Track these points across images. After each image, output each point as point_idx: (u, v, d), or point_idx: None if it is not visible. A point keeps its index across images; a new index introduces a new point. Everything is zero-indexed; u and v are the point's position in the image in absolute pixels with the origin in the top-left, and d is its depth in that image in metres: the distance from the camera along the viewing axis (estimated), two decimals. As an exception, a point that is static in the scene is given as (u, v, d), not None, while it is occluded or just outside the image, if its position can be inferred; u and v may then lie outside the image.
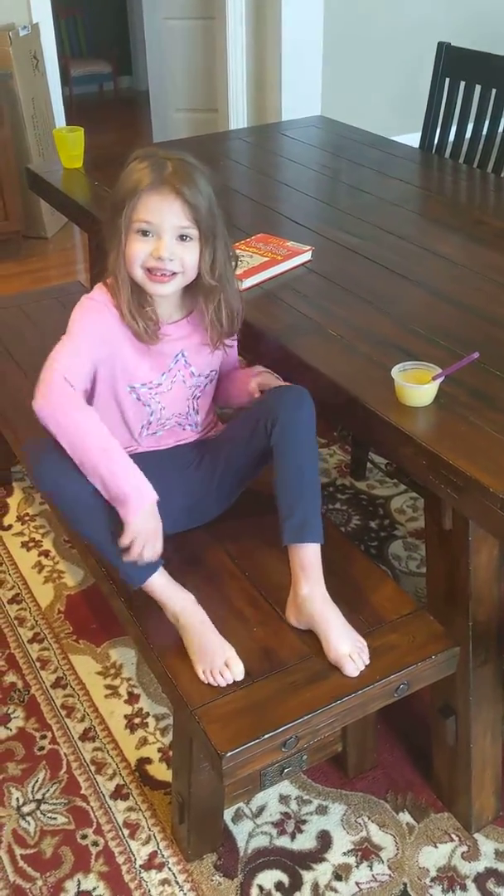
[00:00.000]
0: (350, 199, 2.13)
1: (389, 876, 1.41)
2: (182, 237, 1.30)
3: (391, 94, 4.44)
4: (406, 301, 1.59)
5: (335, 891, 1.39)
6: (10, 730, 1.66)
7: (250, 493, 1.51)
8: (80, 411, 1.29)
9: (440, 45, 2.51)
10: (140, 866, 1.43)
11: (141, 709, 1.70)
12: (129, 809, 1.52)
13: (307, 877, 1.41)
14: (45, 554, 2.10)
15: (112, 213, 1.33)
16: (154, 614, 1.34)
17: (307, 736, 1.19)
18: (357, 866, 1.43)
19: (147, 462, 1.40)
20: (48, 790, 1.55)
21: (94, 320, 1.36)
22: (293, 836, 1.47)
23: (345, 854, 1.44)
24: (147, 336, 1.35)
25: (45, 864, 1.44)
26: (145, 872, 1.42)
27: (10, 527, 2.20)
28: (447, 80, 2.49)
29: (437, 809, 1.51)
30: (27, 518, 2.22)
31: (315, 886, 1.40)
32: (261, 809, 1.52)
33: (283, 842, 1.47)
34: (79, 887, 1.40)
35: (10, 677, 1.78)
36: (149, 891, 1.39)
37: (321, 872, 1.42)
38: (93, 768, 1.59)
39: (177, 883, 1.40)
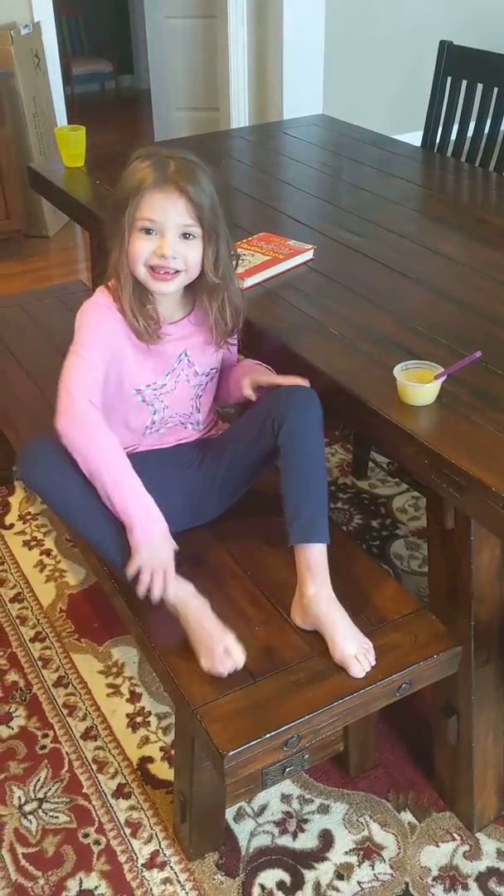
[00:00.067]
0: (351, 197, 2.13)
1: (391, 875, 1.41)
2: (185, 235, 1.30)
3: (393, 93, 4.44)
4: (408, 300, 1.59)
5: (337, 890, 1.39)
6: (12, 728, 1.67)
7: (251, 492, 1.51)
8: (102, 437, 1.29)
9: (442, 43, 2.51)
10: (142, 865, 1.43)
11: (143, 708, 1.70)
12: (131, 808, 1.52)
13: (309, 876, 1.41)
14: (47, 553, 2.10)
15: (114, 212, 1.33)
16: (156, 613, 1.34)
17: (309, 735, 1.19)
18: (359, 865, 1.43)
19: (148, 460, 1.40)
20: (50, 789, 1.55)
21: (100, 326, 1.36)
22: (295, 836, 1.47)
23: (347, 853, 1.44)
24: (148, 335, 1.35)
25: (47, 862, 1.44)
26: (147, 871, 1.42)
27: (11, 526, 2.20)
28: (449, 78, 2.49)
29: (438, 809, 1.51)
30: (29, 517, 2.22)
31: (317, 886, 1.40)
32: (262, 808, 1.52)
33: (285, 841, 1.47)
34: (80, 886, 1.40)
35: (12, 676, 1.78)
36: (150, 890, 1.39)
37: (323, 872, 1.42)
38: (94, 767, 1.59)
39: (178, 882, 1.40)
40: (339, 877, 1.41)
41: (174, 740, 1.56)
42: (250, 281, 1.63)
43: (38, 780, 1.57)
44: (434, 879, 1.40)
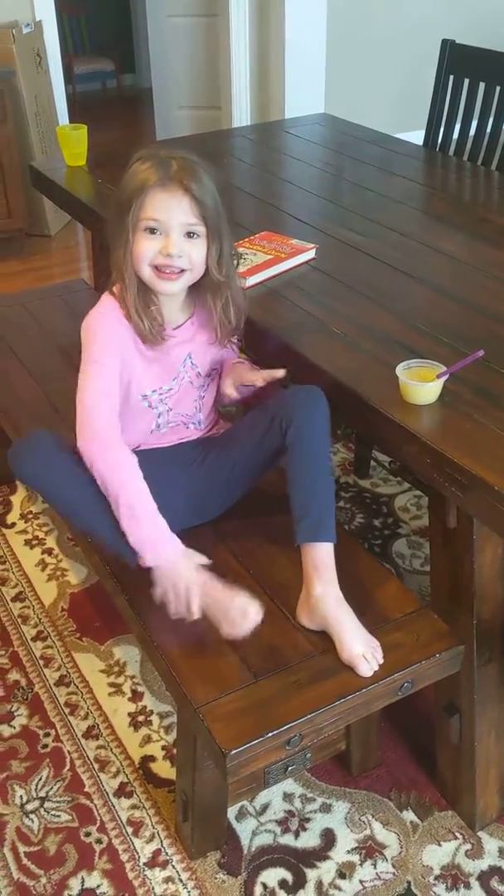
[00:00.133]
0: (354, 196, 2.12)
1: (393, 874, 1.41)
2: (189, 234, 1.30)
3: (394, 92, 4.44)
4: (410, 298, 1.58)
5: (339, 889, 1.39)
6: (14, 727, 1.67)
7: (252, 491, 1.50)
8: (120, 458, 1.30)
9: (444, 42, 2.50)
10: (144, 864, 1.43)
11: (144, 707, 1.70)
12: (133, 807, 1.52)
13: (311, 875, 1.41)
14: (49, 552, 2.10)
15: (117, 214, 1.32)
16: (157, 612, 1.34)
17: (311, 734, 1.19)
18: (361, 864, 1.43)
19: (149, 459, 1.40)
20: (52, 788, 1.55)
21: (109, 333, 1.36)
22: (297, 834, 1.47)
23: (349, 852, 1.44)
24: (152, 336, 1.35)
25: (49, 861, 1.44)
26: (149, 870, 1.42)
27: (13, 524, 2.20)
28: (451, 77, 2.49)
29: (440, 808, 1.51)
30: (30, 516, 2.22)
31: (319, 884, 1.40)
32: (264, 807, 1.52)
33: (287, 840, 1.47)
34: (82, 885, 1.40)
35: (14, 675, 1.78)
36: (152, 888, 1.39)
37: (325, 870, 1.42)
38: (96, 766, 1.59)
39: (180, 881, 1.40)
40: (342, 876, 1.41)
41: (176, 739, 1.56)
42: (252, 280, 1.63)
43: (40, 779, 1.57)
44: (436, 878, 1.40)
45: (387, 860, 1.43)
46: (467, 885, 1.39)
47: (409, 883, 1.40)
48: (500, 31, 4.34)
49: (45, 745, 1.63)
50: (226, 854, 1.44)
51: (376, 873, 1.41)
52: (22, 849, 1.46)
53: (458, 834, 1.47)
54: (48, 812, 1.51)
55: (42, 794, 1.54)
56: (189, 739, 1.31)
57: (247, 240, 1.77)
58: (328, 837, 1.47)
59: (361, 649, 1.23)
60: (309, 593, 1.28)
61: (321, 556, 1.29)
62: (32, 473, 1.34)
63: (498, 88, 2.33)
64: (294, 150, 2.49)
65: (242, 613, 1.23)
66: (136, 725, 1.66)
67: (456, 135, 2.51)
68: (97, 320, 1.37)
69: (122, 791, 1.54)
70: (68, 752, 1.62)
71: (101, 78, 6.73)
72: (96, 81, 6.71)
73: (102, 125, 4.53)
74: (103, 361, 1.34)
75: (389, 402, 1.26)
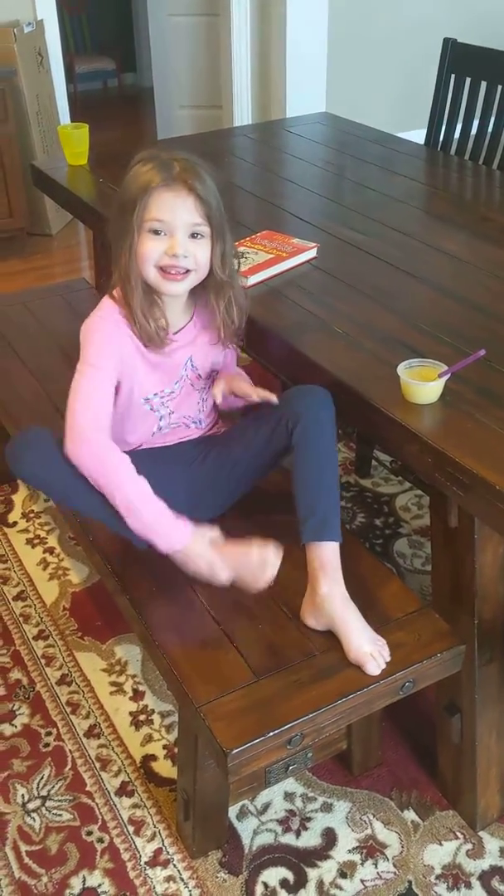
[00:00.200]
0: (355, 195, 2.12)
1: (394, 874, 1.41)
2: (193, 235, 1.30)
3: (396, 91, 4.44)
4: (411, 298, 1.58)
5: (340, 888, 1.39)
6: (16, 726, 1.67)
7: (253, 490, 1.50)
8: (111, 460, 1.30)
9: (446, 41, 2.50)
10: (145, 863, 1.43)
11: (146, 706, 1.70)
12: (135, 806, 1.52)
13: (312, 874, 1.41)
14: (50, 551, 2.10)
15: (119, 216, 1.32)
16: (159, 611, 1.34)
17: (312, 733, 1.19)
18: (362, 864, 1.43)
19: (150, 457, 1.41)
20: (53, 787, 1.55)
21: (108, 339, 1.35)
22: (298, 834, 1.47)
23: (350, 851, 1.44)
24: (157, 340, 1.35)
25: (51, 860, 1.44)
26: (150, 869, 1.42)
27: (15, 523, 2.20)
28: (453, 76, 2.49)
29: (442, 807, 1.51)
30: (32, 515, 2.22)
31: (320, 884, 1.40)
32: (266, 807, 1.52)
33: (288, 839, 1.47)
34: (84, 884, 1.40)
35: (16, 674, 1.78)
36: (154, 887, 1.39)
37: (326, 870, 1.42)
38: (98, 765, 1.59)
39: (182, 880, 1.40)
40: (343, 875, 1.41)
41: (177, 738, 1.56)
42: (254, 279, 1.63)
43: (42, 777, 1.57)
44: (437, 878, 1.40)
45: (388, 860, 1.43)
46: (468, 885, 1.39)
47: (410, 882, 1.40)
48: (501, 31, 4.34)
49: (47, 744, 1.63)
50: (227, 853, 1.44)
51: (377, 873, 1.41)
52: (23, 848, 1.46)
53: (459, 833, 1.47)
54: (50, 811, 1.51)
55: (43, 793, 1.54)
56: (190, 738, 1.31)
57: (248, 239, 1.77)
58: (329, 837, 1.47)
59: (369, 648, 1.23)
60: (315, 592, 1.28)
61: (327, 556, 1.29)
62: (31, 471, 1.34)
63: (499, 87, 2.33)
64: (295, 149, 2.48)
65: (262, 563, 1.26)
66: (137, 724, 1.66)
67: (457, 134, 2.51)
68: (96, 324, 1.37)
69: (123, 790, 1.54)
70: (70, 751, 1.62)
71: (103, 77, 6.73)
72: (97, 80, 6.71)
73: (103, 124, 4.54)
74: (99, 365, 1.34)
75: (391, 402, 1.26)
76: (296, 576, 1.36)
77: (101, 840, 1.47)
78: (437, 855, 1.44)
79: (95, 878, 1.41)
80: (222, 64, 4.18)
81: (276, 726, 1.15)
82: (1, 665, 1.80)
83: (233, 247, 1.39)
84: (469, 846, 1.45)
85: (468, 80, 2.44)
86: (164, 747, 1.62)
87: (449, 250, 1.77)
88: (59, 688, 1.74)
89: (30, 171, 2.51)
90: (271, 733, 1.15)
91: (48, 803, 1.53)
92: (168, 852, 1.44)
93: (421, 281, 1.64)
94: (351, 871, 1.42)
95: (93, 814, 1.51)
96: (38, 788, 1.55)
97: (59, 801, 1.53)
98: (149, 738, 1.64)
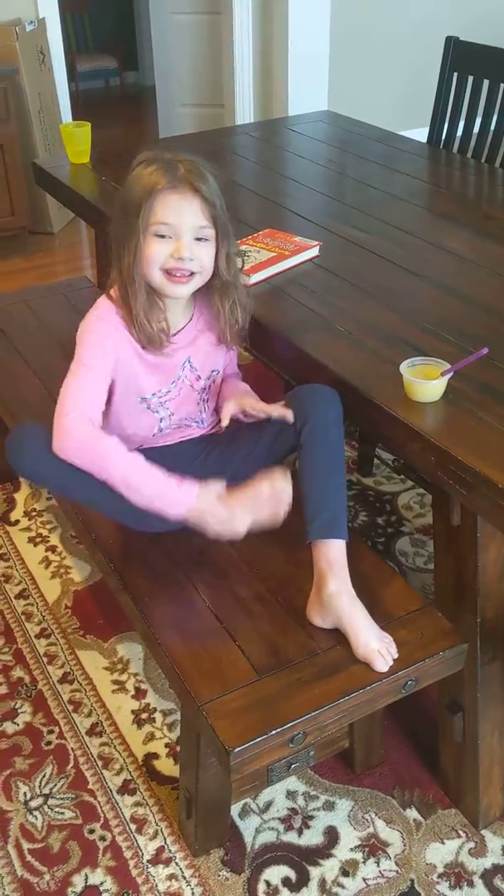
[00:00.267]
0: (357, 193, 2.12)
1: (397, 872, 1.41)
2: (198, 237, 1.30)
3: (398, 89, 4.43)
4: (414, 296, 1.58)
5: (342, 886, 1.39)
6: (18, 724, 1.67)
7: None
8: (98, 446, 1.29)
9: (448, 39, 2.50)
10: (147, 861, 1.43)
11: (148, 704, 1.70)
12: (137, 804, 1.52)
13: (314, 872, 1.41)
14: (52, 549, 2.10)
15: (123, 218, 1.31)
16: (161, 609, 1.34)
17: (315, 732, 1.19)
18: (364, 862, 1.43)
19: (151, 456, 1.40)
20: (55, 785, 1.55)
21: (103, 340, 1.35)
22: (300, 832, 1.47)
23: (352, 850, 1.44)
24: (158, 342, 1.35)
25: (53, 858, 1.44)
26: (152, 867, 1.42)
27: (17, 522, 2.20)
28: (455, 74, 2.49)
29: (444, 806, 1.51)
30: (34, 513, 2.22)
31: (322, 882, 1.40)
32: (268, 805, 1.52)
33: (290, 837, 1.47)
34: (86, 882, 1.40)
35: (18, 672, 1.78)
36: (156, 885, 1.40)
37: (328, 868, 1.42)
38: (100, 763, 1.59)
39: (184, 878, 1.40)
40: (345, 873, 1.41)
41: (180, 737, 1.56)
42: (256, 277, 1.63)
43: (44, 776, 1.57)
44: (439, 876, 1.40)
45: (390, 858, 1.43)
46: (470, 884, 1.39)
47: (412, 881, 1.40)
48: (503, 30, 4.33)
49: (49, 743, 1.63)
50: (229, 851, 1.44)
51: (379, 871, 1.41)
52: (26, 846, 1.46)
53: (461, 832, 1.47)
54: (52, 809, 1.51)
55: (46, 791, 1.54)
56: (192, 737, 1.31)
57: (250, 237, 1.77)
58: (331, 835, 1.47)
59: (377, 644, 1.23)
60: (321, 591, 1.28)
61: (334, 554, 1.29)
62: (31, 467, 1.34)
63: (502, 85, 2.33)
64: (297, 147, 2.48)
65: (276, 495, 1.27)
66: (139, 723, 1.67)
67: (460, 132, 2.51)
68: (93, 324, 1.36)
69: (125, 788, 1.55)
70: (72, 749, 1.62)
71: (104, 75, 6.72)
72: (99, 79, 6.70)
73: (105, 123, 4.53)
74: (91, 365, 1.33)
75: (393, 400, 1.26)
76: (297, 574, 1.37)
77: (103, 838, 1.47)
78: (440, 853, 1.44)
79: (97, 876, 1.41)
80: (224, 62, 4.18)
81: (279, 724, 1.15)
82: (3, 663, 1.80)
83: (236, 245, 1.39)
84: (471, 845, 1.45)
85: (471, 78, 2.44)
86: (166, 745, 1.62)
87: (451, 248, 1.76)
88: (61, 686, 1.74)
89: (32, 170, 2.51)
90: (273, 731, 1.15)
91: (50, 801, 1.53)
92: (170, 850, 1.44)
93: (423, 279, 1.64)
94: (353, 870, 1.42)
95: (95, 812, 1.51)
96: (40, 787, 1.55)
97: (62, 799, 1.53)
98: (151, 737, 1.64)
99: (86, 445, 1.28)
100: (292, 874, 1.41)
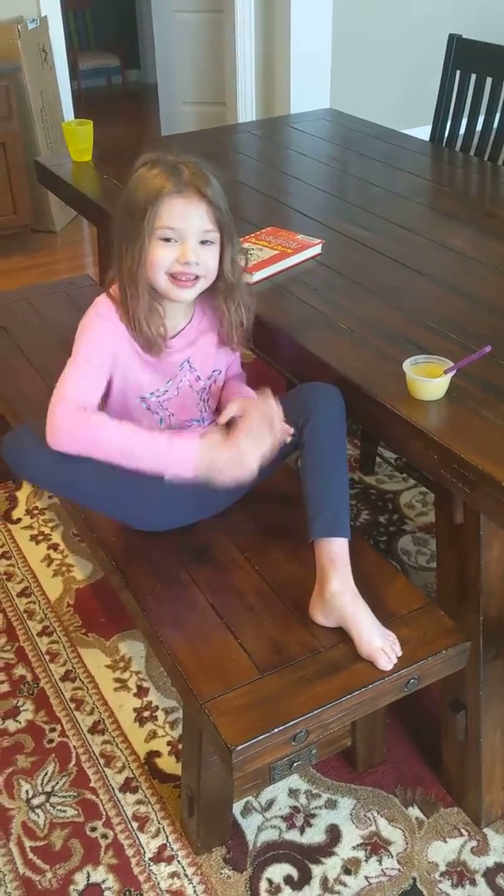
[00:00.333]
0: (360, 192, 2.12)
1: (399, 870, 1.41)
2: (203, 241, 1.30)
3: (401, 87, 4.42)
4: (417, 294, 1.58)
5: (344, 885, 1.39)
6: (20, 722, 1.67)
7: (257, 487, 1.50)
8: (89, 426, 1.27)
9: (451, 37, 2.49)
10: (149, 859, 1.43)
11: (150, 702, 1.70)
12: (139, 802, 1.52)
13: (316, 871, 1.41)
14: (54, 547, 2.10)
15: (127, 221, 1.30)
16: (163, 607, 1.34)
17: (317, 730, 1.19)
18: (366, 860, 1.43)
19: None
20: (57, 783, 1.55)
21: (101, 337, 1.34)
22: (302, 830, 1.47)
23: (354, 848, 1.44)
24: (156, 347, 1.34)
25: (55, 856, 1.44)
26: (154, 865, 1.42)
27: (19, 520, 2.20)
28: (458, 72, 2.48)
29: (446, 804, 1.51)
30: (36, 512, 2.22)
31: (324, 880, 1.40)
32: (270, 803, 1.52)
33: (293, 835, 1.47)
34: (88, 880, 1.40)
35: (20, 670, 1.78)
36: (158, 883, 1.40)
37: (330, 866, 1.42)
38: (102, 761, 1.59)
39: (186, 876, 1.40)
40: (347, 872, 1.41)
41: (182, 735, 1.56)
42: (258, 275, 1.63)
43: (46, 773, 1.57)
44: (442, 875, 1.40)
45: (392, 856, 1.43)
46: (473, 882, 1.39)
47: (414, 879, 1.40)
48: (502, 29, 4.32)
49: (51, 740, 1.63)
50: (231, 849, 1.44)
51: (381, 869, 1.41)
52: (28, 843, 1.46)
53: (463, 830, 1.47)
54: (54, 807, 1.52)
55: (48, 788, 1.55)
56: (195, 735, 1.31)
57: (253, 235, 1.77)
58: (333, 833, 1.47)
59: (380, 642, 1.23)
60: (324, 589, 1.28)
61: (337, 552, 1.29)
62: (32, 472, 1.34)
63: (505, 83, 2.33)
64: (300, 145, 2.48)
65: (266, 412, 1.28)
66: (141, 721, 1.67)
67: (462, 130, 2.50)
68: (93, 321, 1.35)
69: (127, 786, 1.55)
70: (74, 747, 1.62)
71: (106, 74, 6.72)
72: (101, 77, 6.70)
73: (107, 121, 4.51)
74: (89, 362, 1.32)
75: (396, 398, 1.26)
76: (299, 572, 1.37)
77: (105, 836, 1.47)
78: (442, 852, 1.44)
79: (100, 874, 1.41)
80: (226, 60, 4.17)
81: (281, 723, 1.15)
82: (5, 661, 1.80)
83: (239, 245, 1.39)
84: (474, 843, 1.45)
85: (473, 76, 2.44)
86: (169, 743, 1.62)
87: (454, 246, 1.76)
88: (63, 684, 1.74)
89: (34, 168, 2.51)
90: (276, 730, 1.15)
91: (52, 799, 1.53)
92: (172, 848, 1.44)
93: (426, 277, 1.64)
94: (355, 868, 1.42)
95: (97, 810, 1.51)
96: (42, 784, 1.55)
97: (64, 797, 1.53)
98: (153, 735, 1.64)
99: (75, 429, 1.27)
100: (294, 872, 1.41)
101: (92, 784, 1.55)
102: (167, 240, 1.29)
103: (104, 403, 1.38)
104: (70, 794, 1.54)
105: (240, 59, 4.07)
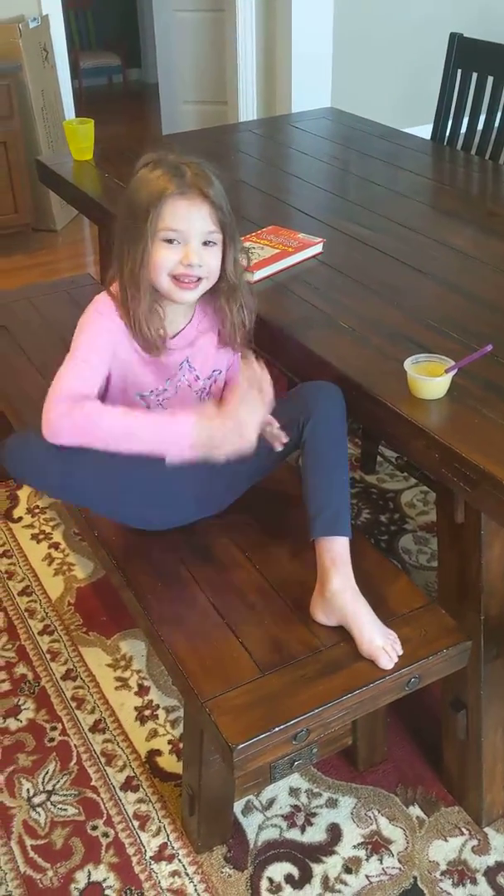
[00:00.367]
0: (361, 190, 2.12)
1: (399, 869, 1.41)
2: (206, 242, 1.29)
3: (402, 86, 4.42)
4: (418, 293, 1.58)
5: (345, 884, 1.39)
6: (21, 721, 1.67)
7: (258, 486, 1.50)
8: (84, 415, 1.26)
9: (452, 36, 2.49)
10: (150, 858, 1.43)
11: (151, 701, 1.70)
12: (140, 801, 1.52)
13: (317, 869, 1.41)
14: (55, 546, 2.10)
15: (130, 221, 1.29)
16: (164, 607, 1.34)
17: (318, 729, 1.19)
18: (367, 859, 1.43)
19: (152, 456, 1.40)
20: (58, 781, 1.56)
21: (101, 334, 1.34)
22: (303, 829, 1.47)
23: (355, 847, 1.44)
24: (155, 348, 1.34)
25: (56, 854, 1.44)
26: (155, 864, 1.42)
27: (20, 519, 2.20)
28: (459, 71, 2.48)
29: (447, 803, 1.51)
30: (37, 510, 2.23)
31: (325, 879, 1.40)
32: (271, 802, 1.52)
33: (293, 834, 1.47)
34: (89, 878, 1.41)
35: (21, 669, 1.78)
36: (159, 882, 1.40)
37: (331, 865, 1.42)
38: (103, 760, 1.59)
39: (187, 875, 1.40)
40: (348, 870, 1.41)
41: (182, 733, 1.56)
42: (260, 274, 1.63)
43: (47, 772, 1.57)
44: (442, 874, 1.40)
45: (393, 855, 1.43)
46: (474, 881, 1.39)
47: (415, 878, 1.40)
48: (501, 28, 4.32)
49: (52, 739, 1.63)
50: (232, 848, 1.44)
51: (382, 868, 1.41)
52: (29, 842, 1.46)
53: (464, 829, 1.47)
54: (55, 805, 1.52)
55: (49, 787, 1.55)
56: (196, 733, 1.31)
57: (254, 234, 1.77)
58: (334, 832, 1.47)
59: (381, 641, 1.23)
60: (325, 588, 1.28)
61: (338, 551, 1.29)
62: (32, 476, 1.34)
63: (506, 82, 2.33)
64: (301, 144, 2.48)
65: (254, 378, 1.26)
66: (142, 719, 1.67)
67: (464, 129, 2.50)
68: (92, 319, 1.35)
69: (128, 785, 1.55)
70: (75, 745, 1.62)
71: (108, 73, 6.72)
72: (102, 76, 6.70)
73: (108, 120, 4.52)
74: (87, 359, 1.32)
75: (397, 397, 1.26)
76: (300, 571, 1.37)
77: (106, 835, 1.47)
78: (443, 851, 1.44)
79: (101, 873, 1.41)
80: (227, 59, 4.17)
81: (282, 721, 1.15)
82: (6, 660, 1.80)
83: (241, 244, 1.39)
84: (474, 842, 1.45)
85: (475, 74, 2.44)
86: (169, 742, 1.62)
87: (455, 245, 1.76)
88: (64, 683, 1.74)
89: (35, 167, 2.51)
90: (277, 728, 1.15)
91: (53, 798, 1.53)
92: (173, 847, 1.44)
93: (427, 276, 1.64)
94: (356, 867, 1.42)
95: (98, 808, 1.51)
96: (43, 783, 1.55)
97: (65, 795, 1.53)
98: (154, 733, 1.64)
99: (72, 415, 1.26)
100: (295, 871, 1.41)
101: (93, 783, 1.55)
102: (170, 241, 1.28)
103: (102, 400, 1.38)
104: (71, 793, 1.54)
105: (241, 58, 4.07)
